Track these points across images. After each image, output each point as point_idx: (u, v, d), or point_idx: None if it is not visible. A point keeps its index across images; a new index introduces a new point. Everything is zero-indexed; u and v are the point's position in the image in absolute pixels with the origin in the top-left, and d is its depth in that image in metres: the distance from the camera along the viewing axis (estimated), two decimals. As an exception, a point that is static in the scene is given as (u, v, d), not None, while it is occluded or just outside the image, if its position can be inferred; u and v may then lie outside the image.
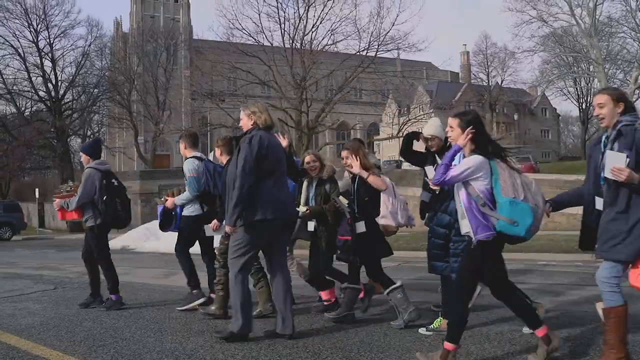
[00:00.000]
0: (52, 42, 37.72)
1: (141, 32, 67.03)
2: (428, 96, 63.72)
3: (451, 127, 3.60)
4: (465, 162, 3.48)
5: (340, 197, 4.95)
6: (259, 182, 4.21)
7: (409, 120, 31.81)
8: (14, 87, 38.11)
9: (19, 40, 36.98)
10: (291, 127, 29.80)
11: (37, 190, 35.33)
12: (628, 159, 3.25)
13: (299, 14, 29.25)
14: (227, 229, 4.35)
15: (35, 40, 37.12)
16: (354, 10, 49.19)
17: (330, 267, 5.30)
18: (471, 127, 3.48)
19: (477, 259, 3.49)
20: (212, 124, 43.33)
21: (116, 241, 17.68)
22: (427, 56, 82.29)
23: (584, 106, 59.27)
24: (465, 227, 3.50)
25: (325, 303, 5.33)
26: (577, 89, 58.30)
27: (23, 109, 41.15)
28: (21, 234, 29.54)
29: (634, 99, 38.47)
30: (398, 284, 4.76)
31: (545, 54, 44.62)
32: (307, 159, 5.30)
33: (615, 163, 3.26)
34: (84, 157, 6.16)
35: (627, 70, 40.46)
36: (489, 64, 61.49)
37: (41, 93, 38.22)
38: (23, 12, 36.89)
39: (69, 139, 42.48)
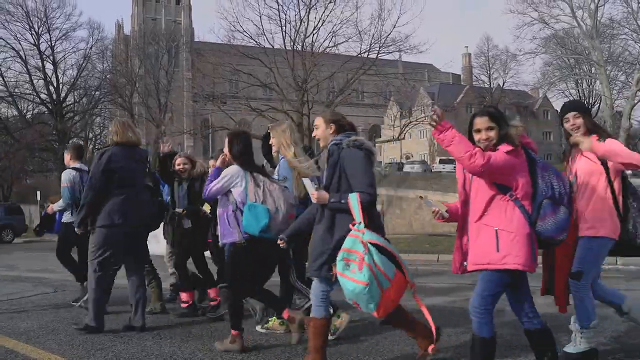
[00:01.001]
0: (53, 44, 37.86)
1: (142, 34, 67.08)
2: (429, 98, 63.74)
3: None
4: (223, 174, 4.19)
5: (205, 204, 5.35)
6: (110, 192, 4.74)
7: (410, 122, 31.75)
8: (16, 90, 38.20)
9: (20, 43, 37.13)
10: (292, 129, 29.82)
11: (38, 192, 35.37)
12: (314, 183, 3.61)
13: (300, 16, 29.29)
14: (76, 230, 4.96)
15: (36, 43, 37.23)
16: (355, 13, 49.18)
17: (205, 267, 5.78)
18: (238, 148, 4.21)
19: (233, 261, 4.18)
20: (214, 126, 43.34)
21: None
22: (428, 58, 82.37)
23: (585, 108, 59.09)
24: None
25: (212, 304, 5.61)
26: (579, 91, 58.27)
27: (25, 111, 41.22)
28: (22, 237, 29.57)
29: (636, 102, 38.44)
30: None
31: (547, 56, 44.60)
32: (178, 161, 5.66)
33: (310, 189, 3.54)
34: None
35: (628, 72, 40.40)
36: (490, 66, 61.54)
37: (43, 96, 38.32)
38: (24, 14, 37.01)
39: (70, 142, 42.55)
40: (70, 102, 40.07)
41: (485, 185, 2.97)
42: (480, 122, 3.09)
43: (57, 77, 38.05)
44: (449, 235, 14.55)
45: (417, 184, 27.20)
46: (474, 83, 70.60)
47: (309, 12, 28.99)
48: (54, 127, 37.43)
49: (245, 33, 29.14)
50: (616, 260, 8.78)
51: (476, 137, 3.10)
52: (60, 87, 38.32)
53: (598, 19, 37.31)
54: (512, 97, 63.44)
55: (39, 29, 37.38)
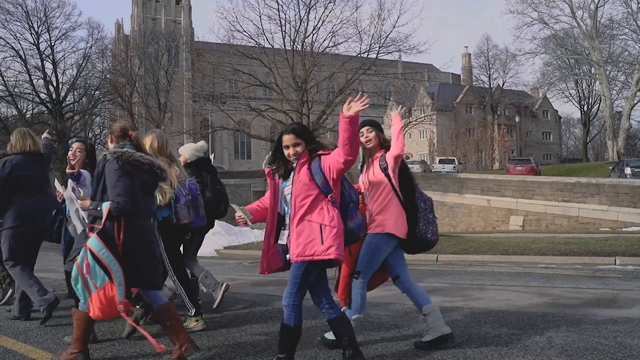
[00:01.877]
0: (53, 44, 37.80)
1: (142, 34, 67.05)
2: (429, 98, 63.72)
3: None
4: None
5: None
6: (16, 196, 5.16)
7: (410, 122, 31.73)
8: (15, 89, 38.17)
9: (20, 43, 37.08)
10: (292, 129, 29.79)
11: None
12: (73, 189, 4.17)
13: (300, 16, 29.29)
14: None
15: (36, 43, 37.17)
16: (355, 13, 49.27)
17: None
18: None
19: None
20: (214, 126, 43.31)
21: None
22: (428, 58, 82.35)
23: (585, 108, 59.17)
24: None
25: None
26: (578, 91, 58.23)
27: (24, 111, 41.22)
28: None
29: (636, 102, 38.42)
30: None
31: (547, 56, 44.69)
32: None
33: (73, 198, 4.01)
34: None
35: (628, 72, 40.41)
36: (490, 66, 61.52)
37: (42, 95, 38.27)
38: (24, 14, 36.96)
39: (70, 141, 42.54)
40: (70, 102, 40.03)
41: (306, 188, 3.36)
42: (287, 139, 3.44)
43: (56, 76, 38.04)
44: (449, 235, 14.58)
45: (420, 184, 27.14)
46: (473, 83, 70.56)
47: (308, 12, 29.00)
48: (54, 126, 37.37)
49: (245, 33, 29.13)
50: (615, 261, 8.78)
51: (286, 152, 3.46)
52: (60, 86, 38.28)
53: (598, 19, 37.33)
54: (511, 97, 63.42)
55: (38, 28, 37.37)
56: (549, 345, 3.94)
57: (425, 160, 53.96)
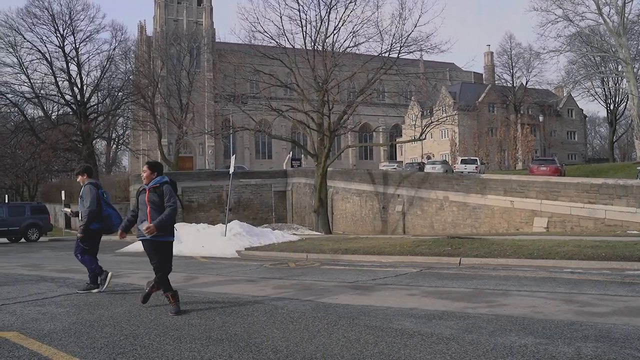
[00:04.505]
0: (77, 46, 38.40)
1: (165, 35, 67.79)
2: (451, 98, 63.18)
3: None
4: None
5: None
6: None
7: (432, 122, 31.41)
8: (41, 91, 38.89)
9: (46, 45, 37.76)
10: (313, 129, 29.76)
11: (63, 192, 36.00)
12: None
13: (321, 17, 29.20)
14: None
15: (61, 45, 37.81)
16: (376, 12, 49.09)
17: None
18: None
19: None
20: (235, 126, 43.55)
21: (139, 244, 17.83)
22: (450, 57, 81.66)
23: (612, 107, 58.06)
24: None
25: None
26: (604, 89, 57.18)
27: (50, 112, 42.02)
28: (48, 235, 30.11)
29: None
30: None
31: (572, 54, 43.93)
32: None
33: None
34: None
35: (657, 70, 39.48)
36: (513, 64, 60.78)
37: (67, 97, 38.93)
38: (50, 18, 37.65)
39: (94, 142, 43.23)
40: (94, 103, 40.68)
41: None
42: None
43: (81, 78, 38.64)
44: (472, 238, 14.37)
45: (438, 185, 26.91)
46: (496, 82, 69.79)
47: (329, 12, 28.87)
48: (78, 127, 38.02)
49: (265, 34, 29.15)
50: (645, 265, 8.54)
51: None
52: (84, 88, 38.91)
53: (625, 15, 36.52)
54: (535, 96, 62.56)
55: (63, 31, 38.00)
56: (577, 357, 3.83)
57: (447, 160, 53.50)
